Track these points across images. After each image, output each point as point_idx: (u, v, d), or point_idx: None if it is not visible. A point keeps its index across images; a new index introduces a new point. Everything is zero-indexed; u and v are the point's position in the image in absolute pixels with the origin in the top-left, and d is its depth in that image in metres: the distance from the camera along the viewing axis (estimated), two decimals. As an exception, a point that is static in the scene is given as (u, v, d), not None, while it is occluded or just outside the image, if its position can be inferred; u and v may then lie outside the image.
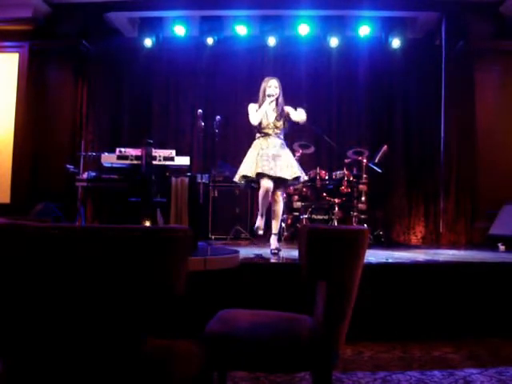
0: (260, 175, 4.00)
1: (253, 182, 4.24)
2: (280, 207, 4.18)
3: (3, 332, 1.13)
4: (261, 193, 4.07)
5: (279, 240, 6.03)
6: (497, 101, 6.28)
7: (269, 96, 4.12)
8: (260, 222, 4.20)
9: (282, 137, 4.23)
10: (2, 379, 1.14)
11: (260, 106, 4.16)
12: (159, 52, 7.04)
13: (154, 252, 1.12)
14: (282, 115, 4.18)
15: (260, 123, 4.14)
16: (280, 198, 4.18)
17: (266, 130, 4.17)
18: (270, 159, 4.02)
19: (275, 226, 4.18)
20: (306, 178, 4.43)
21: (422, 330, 3.26)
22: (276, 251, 4.11)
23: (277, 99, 4.19)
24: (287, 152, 4.18)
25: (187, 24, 6.82)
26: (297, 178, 4.13)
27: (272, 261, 3.79)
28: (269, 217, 4.32)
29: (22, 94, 6.24)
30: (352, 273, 1.66)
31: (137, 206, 5.31)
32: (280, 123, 4.18)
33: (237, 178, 4.18)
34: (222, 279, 2.97)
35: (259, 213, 4.20)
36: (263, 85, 4.22)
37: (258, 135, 4.23)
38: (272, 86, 4.17)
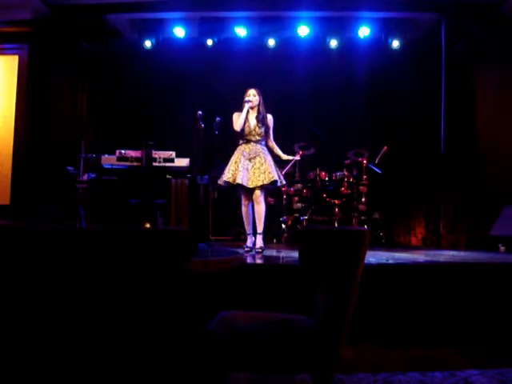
0: (238, 186, 4.36)
1: (233, 187, 4.50)
2: (262, 207, 4.39)
3: (3, 333, 1.13)
4: (243, 213, 4.49)
5: (279, 241, 6.07)
6: (497, 101, 6.28)
7: (246, 102, 4.43)
8: (249, 242, 4.49)
9: (263, 143, 4.53)
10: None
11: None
12: (159, 53, 7.03)
13: (155, 254, 1.12)
14: (264, 123, 4.48)
15: (243, 130, 4.45)
16: (260, 198, 4.39)
17: (248, 137, 4.47)
18: (248, 168, 4.33)
19: (260, 226, 4.40)
20: (284, 182, 4.71)
21: (423, 331, 3.25)
22: (260, 250, 4.33)
23: (258, 107, 4.51)
24: (267, 158, 4.45)
25: (187, 25, 6.82)
26: (274, 182, 4.36)
27: (273, 262, 3.79)
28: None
29: (22, 96, 6.24)
30: (352, 274, 1.66)
31: (137, 207, 5.31)
32: (261, 130, 4.47)
33: (221, 181, 4.48)
34: (223, 280, 2.97)
35: (247, 233, 4.54)
36: (244, 95, 4.54)
37: (240, 141, 4.53)
38: (251, 95, 4.51)
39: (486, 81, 6.31)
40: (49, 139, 6.32)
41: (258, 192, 4.35)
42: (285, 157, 4.80)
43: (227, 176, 4.37)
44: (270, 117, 4.57)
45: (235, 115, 4.52)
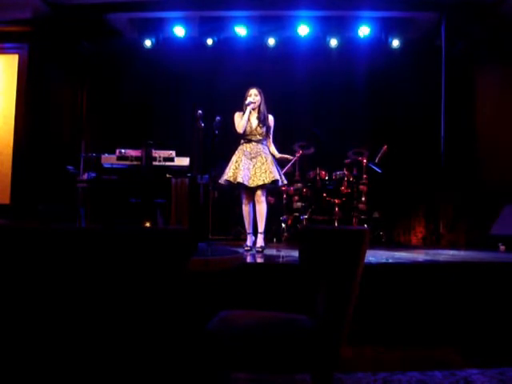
0: (239, 185, 4.34)
1: (234, 186, 4.49)
2: (263, 207, 4.40)
3: (3, 333, 1.13)
4: (243, 212, 4.49)
5: (279, 241, 6.07)
6: (497, 101, 6.27)
7: (248, 104, 4.41)
8: (249, 241, 4.50)
9: (264, 142, 4.53)
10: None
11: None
12: (159, 53, 7.04)
13: (155, 253, 1.12)
14: (265, 122, 4.48)
15: (245, 130, 4.44)
16: (262, 198, 4.39)
17: (249, 137, 4.47)
18: (249, 167, 4.33)
19: (261, 226, 4.41)
20: (286, 181, 4.68)
21: (423, 330, 3.25)
22: (260, 249, 4.34)
23: (259, 106, 4.50)
24: (268, 157, 4.45)
25: (187, 25, 6.82)
26: (275, 182, 4.37)
27: (273, 261, 3.80)
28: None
29: (22, 96, 6.23)
30: (352, 273, 1.66)
31: (137, 206, 5.31)
32: (263, 130, 4.47)
33: (222, 180, 4.47)
34: (223, 280, 2.97)
35: (247, 232, 4.54)
36: (246, 94, 4.53)
37: (242, 141, 4.53)
38: (252, 95, 4.49)
39: (485, 81, 6.31)
40: (49, 139, 6.31)
41: (259, 192, 4.36)
42: (279, 155, 4.65)
43: (228, 175, 4.37)
44: (271, 117, 4.57)
45: (237, 115, 4.52)
